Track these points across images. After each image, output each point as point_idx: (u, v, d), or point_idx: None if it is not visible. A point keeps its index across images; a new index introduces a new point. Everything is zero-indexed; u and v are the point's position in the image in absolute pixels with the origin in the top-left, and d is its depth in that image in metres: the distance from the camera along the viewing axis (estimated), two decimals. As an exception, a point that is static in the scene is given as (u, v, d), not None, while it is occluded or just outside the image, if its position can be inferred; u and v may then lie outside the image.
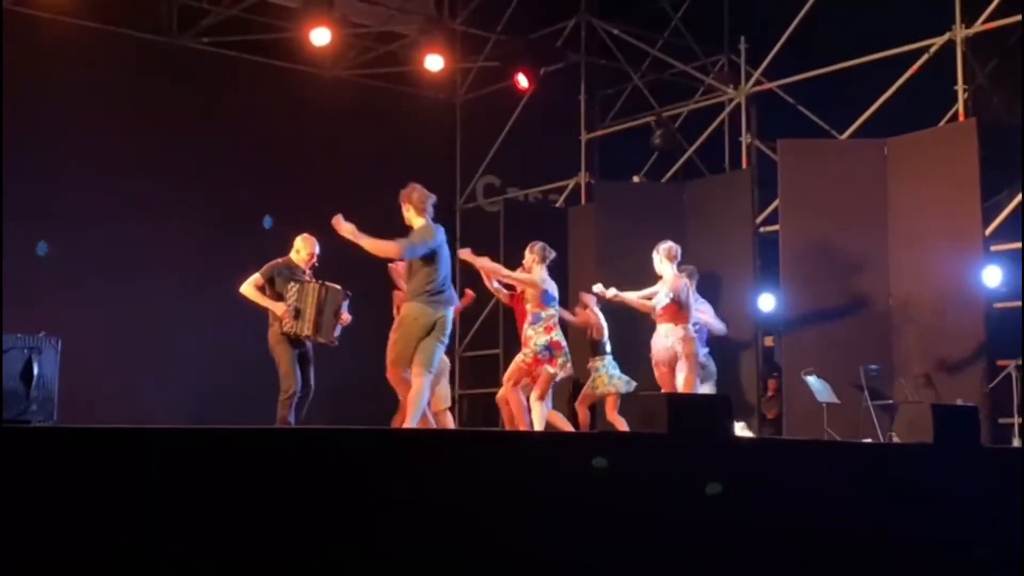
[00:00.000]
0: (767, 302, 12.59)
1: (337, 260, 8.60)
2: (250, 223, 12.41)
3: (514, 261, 12.79)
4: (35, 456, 4.19)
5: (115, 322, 11.48)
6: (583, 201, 13.71)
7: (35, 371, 6.01)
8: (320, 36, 12.02)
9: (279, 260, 8.30)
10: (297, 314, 8.01)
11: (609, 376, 9.52)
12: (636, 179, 13.52)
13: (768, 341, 12.90)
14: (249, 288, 8.16)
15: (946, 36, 10.72)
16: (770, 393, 12.28)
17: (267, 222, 12.50)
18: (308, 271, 8.34)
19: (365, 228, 13.20)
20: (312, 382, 8.26)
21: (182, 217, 12.24)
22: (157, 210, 12.10)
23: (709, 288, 11.69)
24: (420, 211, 7.44)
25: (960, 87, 10.50)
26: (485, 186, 14.92)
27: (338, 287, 8.26)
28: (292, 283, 8.11)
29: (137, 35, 12.45)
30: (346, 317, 8.36)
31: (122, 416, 10.69)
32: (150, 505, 4.26)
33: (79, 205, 11.69)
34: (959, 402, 9.04)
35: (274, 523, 4.49)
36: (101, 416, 9.84)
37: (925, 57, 10.90)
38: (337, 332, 8.32)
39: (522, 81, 13.01)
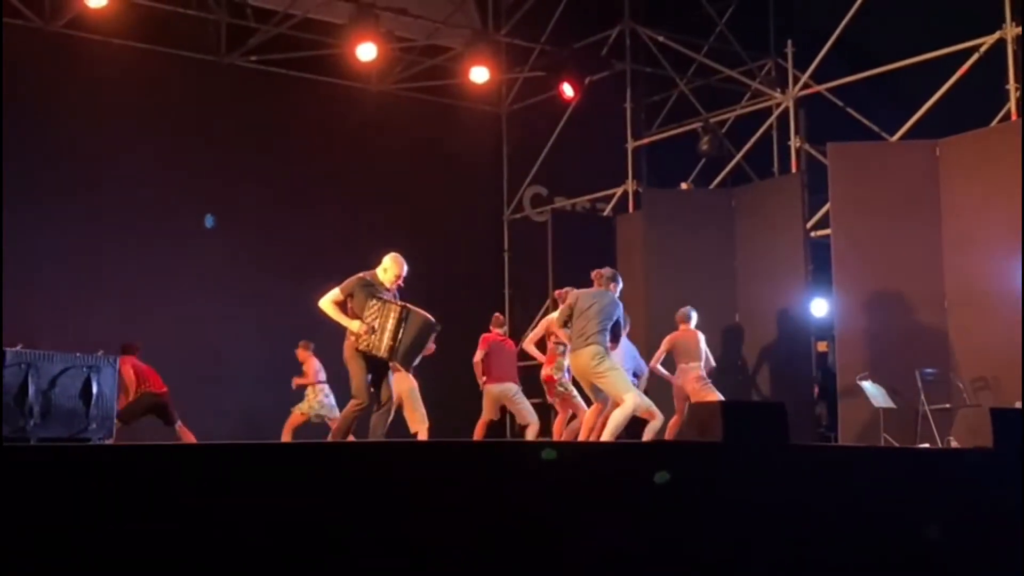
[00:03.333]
0: (820, 307, 12.49)
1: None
2: (303, 237, 12.52)
3: (563, 270, 12.88)
4: (96, 473, 4.25)
5: (173, 338, 11.60)
6: (631, 209, 13.67)
7: (94, 390, 6.07)
8: (366, 51, 12.12)
9: (363, 275, 7.82)
10: (374, 331, 7.57)
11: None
12: (684, 186, 13.47)
13: (821, 346, 12.78)
14: (327, 304, 7.72)
15: (996, 35, 10.59)
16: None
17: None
18: (393, 291, 7.88)
19: (414, 237, 13.39)
20: (392, 387, 7.87)
21: (233, 232, 12.38)
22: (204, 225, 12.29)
23: (761, 294, 11.64)
24: None
25: (1012, 86, 10.37)
26: (532, 196, 14.95)
27: (426, 314, 7.75)
28: (373, 300, 7.64)
29: (186, 55, 12.62)
30: (431, 348, 8.21)
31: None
32: (212, 521, 4.30)
33: (130, 223, 11.86)
34: (1018, 405, 8.91)
35: (341, 536, 4.51)
36: (160, 433, 9.98)
37: (975, 57, 10.77)
38: (416, 362, 8.10)
39: (567, 90, 13.02)
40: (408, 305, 7.66)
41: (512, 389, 9.80)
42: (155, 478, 4.31)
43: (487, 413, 9.90)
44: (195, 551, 4.27)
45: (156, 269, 11.89)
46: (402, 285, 7.90)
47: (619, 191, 14.00)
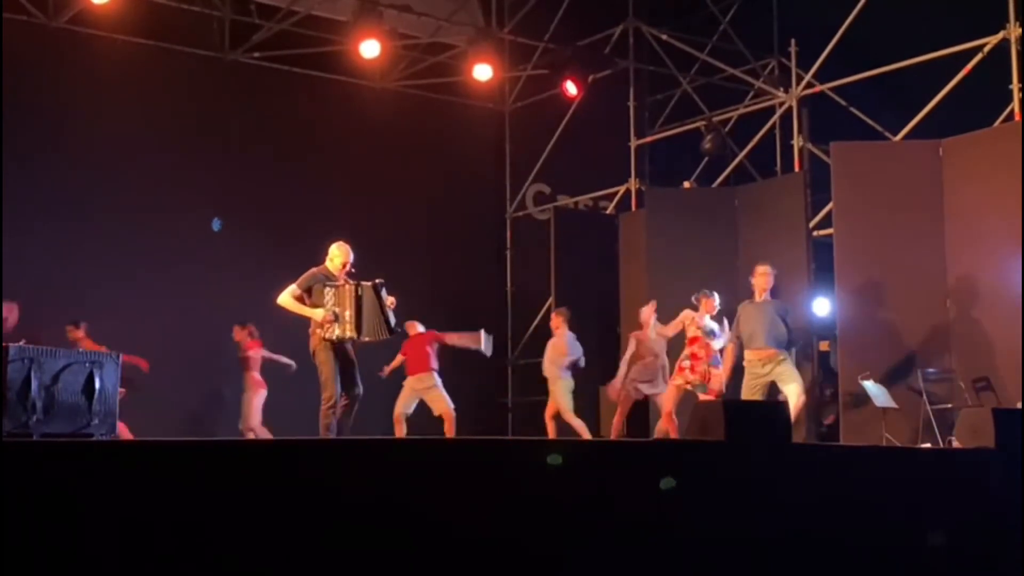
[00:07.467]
0: (822, 306, 12.48)
1: (374, 267, 8.60)
2: (303, 234, 12.48)
3: (565, 268, 12.90)
4: (99, 469, 4.25)
5: (175, 336, 11.60)
6: (634, 207, 13.68)
7: (96, 385, 6.08)
8: (370, 48, 12.12)
9: (314, 269, 8.11)
10: (336, 318, 7.85)
11: None
12: (687, 184, 13.46)
13: (823, 346, 12.78)
14: (287, 298, 8.00)
15: (1000, 35, 10.59)
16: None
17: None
18: (343, 278, 8.12)
19: (416, 234, 13.40)
20: (360, 386, 8.06)
21: (236, 230, 12.37)
22: (210, 224, 12.27)
23: (763, 293, 11.62)
24: None
25: (1015, 86, 10.37)
26: (535, 194, 14.95)
27: (369, 283, 8.05)
28: (327, 289, 7.94)
29: (189, 51, 12.62)
30: (391, 300, 8.23)
31: (181, 429, 10.85)
32: (212, 517, 4.31)
33: (133, 221, 11.86)
34: (1020, 406, 8.90)
35: (330, 535, 4.52)
36: (160, 429, 9.97)
37: (979, 57, 10.77)
38: (394, 320, 8.19)
39: (570, 88, 13.03)
40: (359, 283, 7.85)
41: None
42: (158, 474, 4.31)
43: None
44: (198, 548, 4.27)
45: (159, 265, 11.88)
46: (352, 271, 8.06)
47: (622, 189, 14.00)
